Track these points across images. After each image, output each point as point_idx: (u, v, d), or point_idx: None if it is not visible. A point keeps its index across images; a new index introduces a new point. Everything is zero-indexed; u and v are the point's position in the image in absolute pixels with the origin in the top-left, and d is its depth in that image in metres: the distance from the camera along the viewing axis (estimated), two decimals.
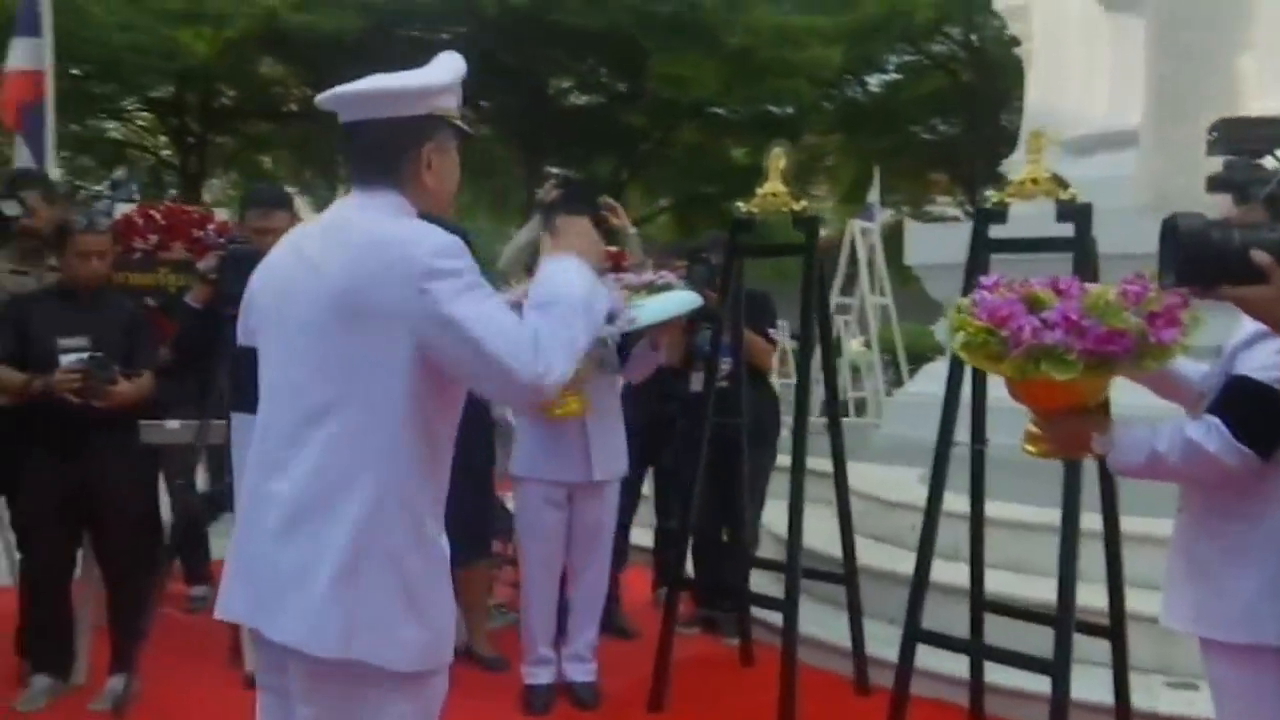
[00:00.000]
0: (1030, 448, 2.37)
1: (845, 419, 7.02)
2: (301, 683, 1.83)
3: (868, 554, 4.55)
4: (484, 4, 16.90)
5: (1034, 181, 3.31)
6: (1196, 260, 1.98)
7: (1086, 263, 3.16)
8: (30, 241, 3.95)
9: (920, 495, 4.01)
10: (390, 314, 1.78)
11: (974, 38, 20.59)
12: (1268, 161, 2.20)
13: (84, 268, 3.70)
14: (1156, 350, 2.06)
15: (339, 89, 1.94)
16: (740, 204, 3.99)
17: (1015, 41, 8.86)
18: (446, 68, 1.98)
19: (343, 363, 1.80)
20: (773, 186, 3.92)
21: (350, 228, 1.88)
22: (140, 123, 23.00)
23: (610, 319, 3.34)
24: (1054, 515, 3.31)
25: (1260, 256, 1.92)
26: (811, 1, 18.40)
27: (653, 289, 3.61)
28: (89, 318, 3.69)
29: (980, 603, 3.68)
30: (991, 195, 3.44)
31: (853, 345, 11.55)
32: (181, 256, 4.20)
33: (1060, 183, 3.29)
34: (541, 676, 3.87)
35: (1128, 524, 3.48)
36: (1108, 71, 7.26)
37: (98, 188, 20.59)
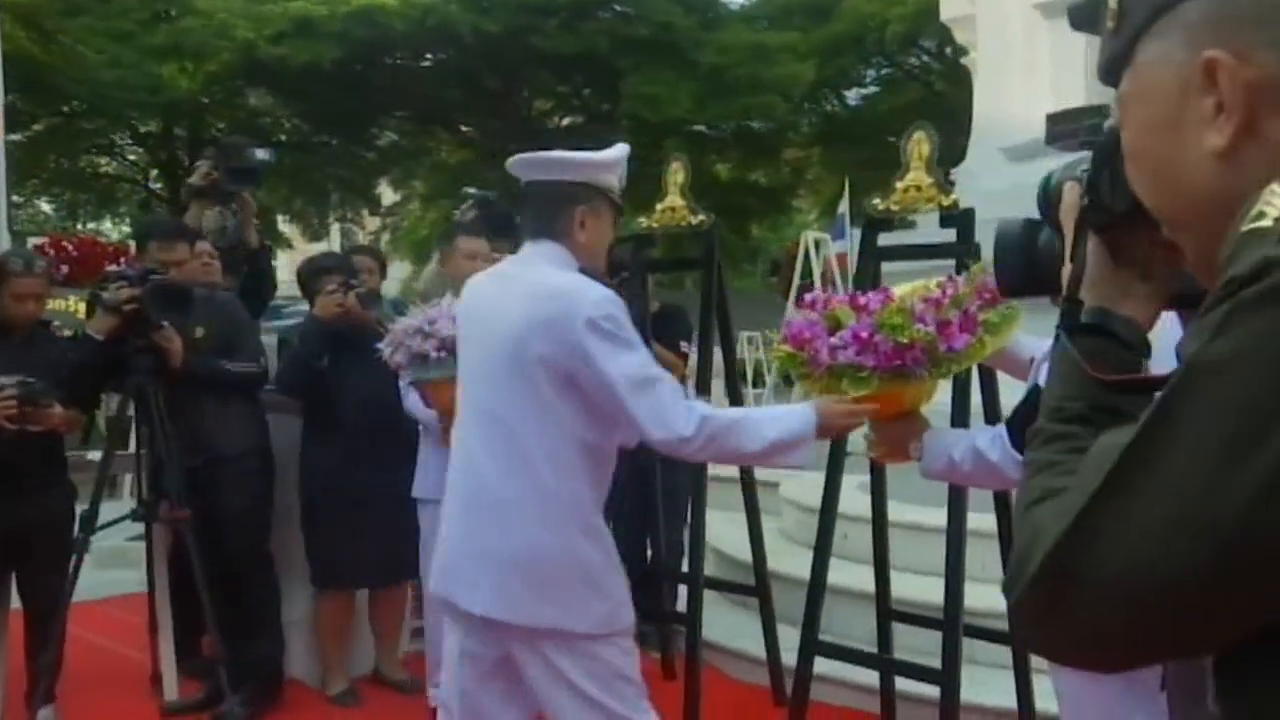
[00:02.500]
0: (871, 451, 2.41)
1: None
2: (517, 648, 2.25)
3: (796, 564, 4.55)
4: (460, 30, 17.02)
5: (916, 188, 3.33)
6: (1010, 269, 1.93)
7: (969, 268, 3.18)
8: None
9: (858, 505, 4.02)
10: (556, 355, 2.19)
11: (948, 50, 20.67)
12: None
13: (19, 309, 3.73)
14: (949, 358, 2.08)
15: (524, 155, 2.41)
16: (642, 219, 4.01)
17: (964, 51, 8.93)
18: (611, 151, 2.44)
19: (522, 389, 2.23)
20: (672, 201, 3.91)
21: (526, 277, 2.33)
22: (131, 157, 23.19)
23: None
24: (988, 520, 3.31)
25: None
26: (785, 19, 18.52)
27: None
28: (21, 358, 3.71)
29: (886, 610, 3.68)
30: (877, 203, 3.46)
31: None
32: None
33: (942, 189, 3.30)
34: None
35: None
36: (1049, 77, 7.31)
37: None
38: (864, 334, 2.10)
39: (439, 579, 2.39)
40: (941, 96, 20.98)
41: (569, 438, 2.23)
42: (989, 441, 2.14)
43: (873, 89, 21.84)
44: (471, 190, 4.81)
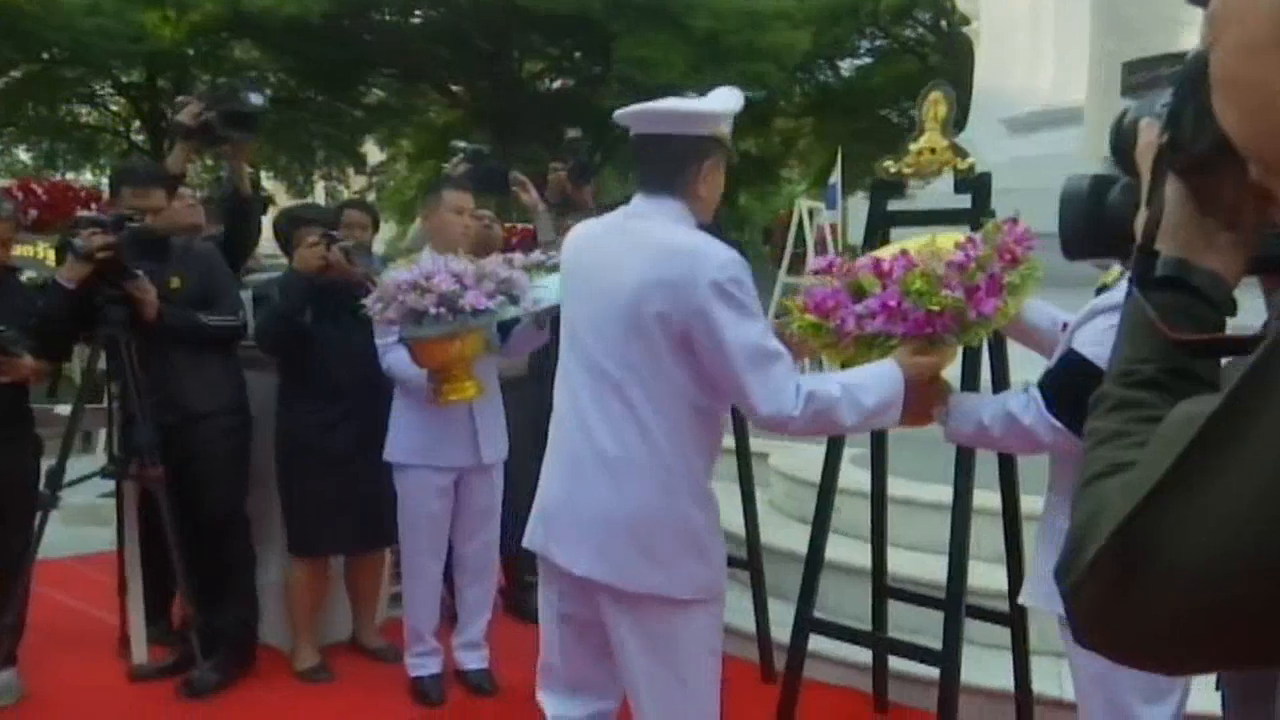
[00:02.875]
0: None
1: None
2: (611, 610, 2.18)
3: (792, 538, 4.45)
4: None
5: (931, 151, 3.19)
6: (1076, 228, 1.65)
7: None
8: None
9: (851, 478, 3.91)
10: (677, 316, 2.07)
11: (942, 22, 20.54)
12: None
13: None
14: (979, 323, 1.98)
15: (640, 106, 2.24)
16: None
17: (966, 20, 8.76)
18: (728, 99, 2.28)
19: (638, 348, 2.12)
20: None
21: (646, 233, 2.18)
22: (114, 108, 22.78)
23: (514, 299, 3.22)
24: (988, 497, 3.20)
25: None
26: None
27: (545, 268, 3.42)
28: None
29: (882, 588, 3.58)
30: (888, 166, 3.32)
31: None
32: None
33: (958, 152, 3.16)
34: (429, 667, 3.74)
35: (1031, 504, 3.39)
36: (1053, 48, 7.17)
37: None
38: (892, 302, 2.02)
39: (537, 535, 2.29)
40: (936, 70, 20.85)
41: (683, 401, 2.14)
42: (1022, 405, 2.06)
43: (866, 60, 21.68)
44: (461, 144, 4.60)
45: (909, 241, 2.96)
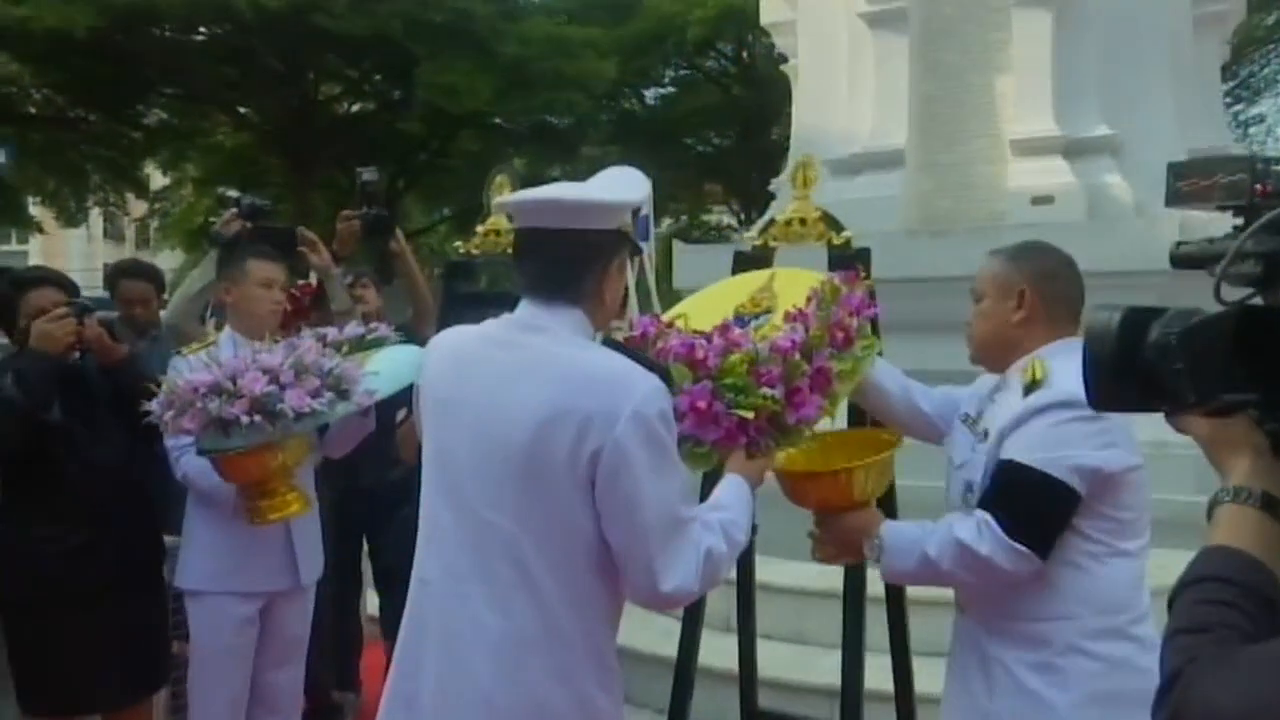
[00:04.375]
0: (817, 553, 2.05)
1: None
2: None
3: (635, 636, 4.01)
4: (236, 4, 15.74)
5: (801, 222, 2.93)
6: (1102, 373, 1.20)
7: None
8: None
9: None
10: (585, 455, 1.72)
11: (745, 54, 21.00)
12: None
13: None
14: (797, 428, 1.80)
15: (530, 195, 1.87)
16: (459, 243, 3.35)
17: (783, 58, 8.77)
18: (632, 183, 1.95)
19: (534, 495, 1.75)
20: (497, 222, 3.15)
21: (545, 351, 1.79)
22: None
23: (344, 395, 2.72)
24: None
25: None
26: (586, 14, 18.17)
27: (363, 344, 2.93)
28: None
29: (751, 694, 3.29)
30: (750, 237, 3.07)
31: None
32: None
33: (832, 223, 2.92)
34: None
35: None
36: (873, 90, 7.20)
37: None
38: (701, 404, 1.81)
39: None
40: (738, 100, 21.27)
41: (589, 563, 1.77)
42: (974, 533, 1.82)
43: (671, 90, 21.95)
44: (234, 193, 3.90)
45: (778, 271, 2.71)
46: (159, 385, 2.73)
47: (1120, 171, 6.35)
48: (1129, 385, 1.13)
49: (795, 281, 2.45)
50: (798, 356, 1.92)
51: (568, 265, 1.84)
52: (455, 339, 1.96)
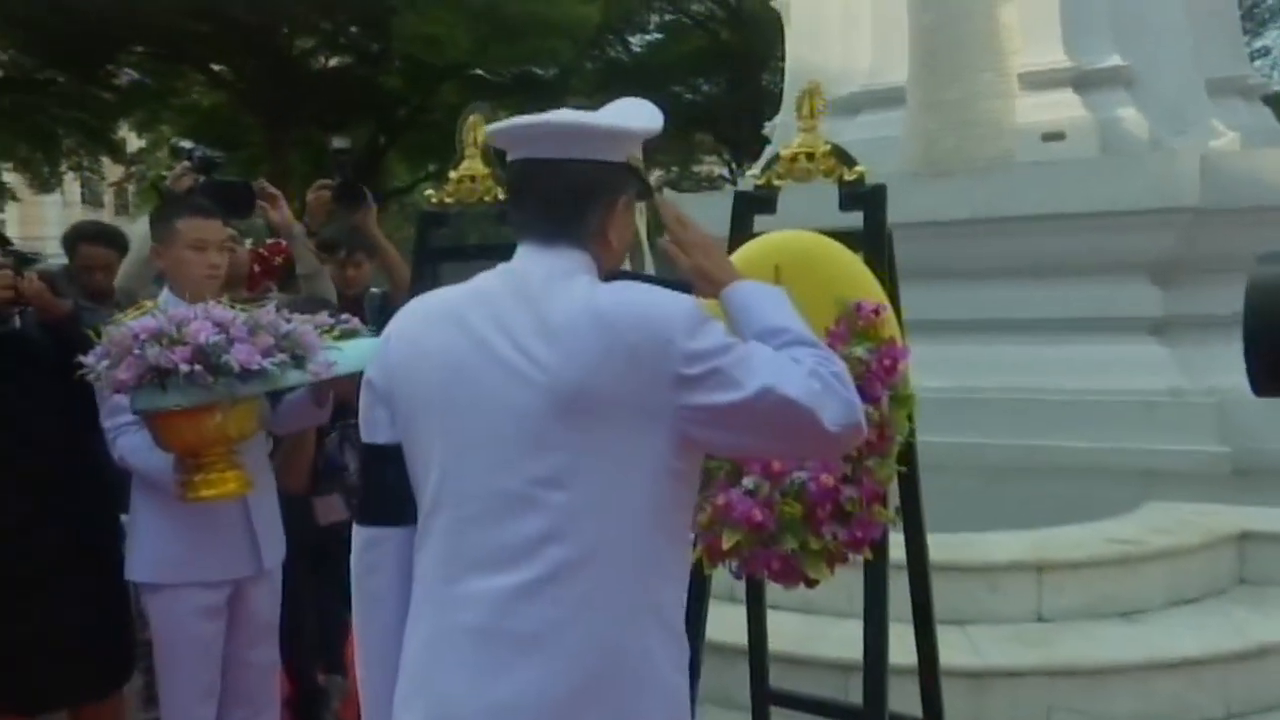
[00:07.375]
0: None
1: None
2: None
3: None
4: None
5: (808, 156, 2.60)
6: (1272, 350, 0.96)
7: (880, 257, 2.49)
8: None
9: None
10: (638, 412, 1.48)
11: None
12: None
13: None
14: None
15: (526, 120, 1.60)
16: (430, 191, 3.03)
17: None
18: (645, 113, 1.71)
19: (572, 471, 1.48)
20: (472, 167, 2.85)
21: (552, 299, 1.52)
22: None
23: (298, 360, 2.45)
24: None
25: None
26: None
27: (336, 334, 2.63)
28: None
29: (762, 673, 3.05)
30: (754, 175, 2.75)
31: None
32: None
33: (843, 157, 2.59)
34: None
35: None
36: (870, 25, 6.86)
37: None
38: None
39: None
40: (727, 45, 20.79)
41: (655, 513, 1.51)
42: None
43: (657, 36, 21.49)
44: (186, 144, 3.51)
45: (781, 264, 2.42)
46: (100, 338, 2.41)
47: (1135, 104, 6.04)
48: None
49: (804, 275, 2.29)
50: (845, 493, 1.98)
51: (569, 200, 1.60)
52: (428, 309, 1.65)
